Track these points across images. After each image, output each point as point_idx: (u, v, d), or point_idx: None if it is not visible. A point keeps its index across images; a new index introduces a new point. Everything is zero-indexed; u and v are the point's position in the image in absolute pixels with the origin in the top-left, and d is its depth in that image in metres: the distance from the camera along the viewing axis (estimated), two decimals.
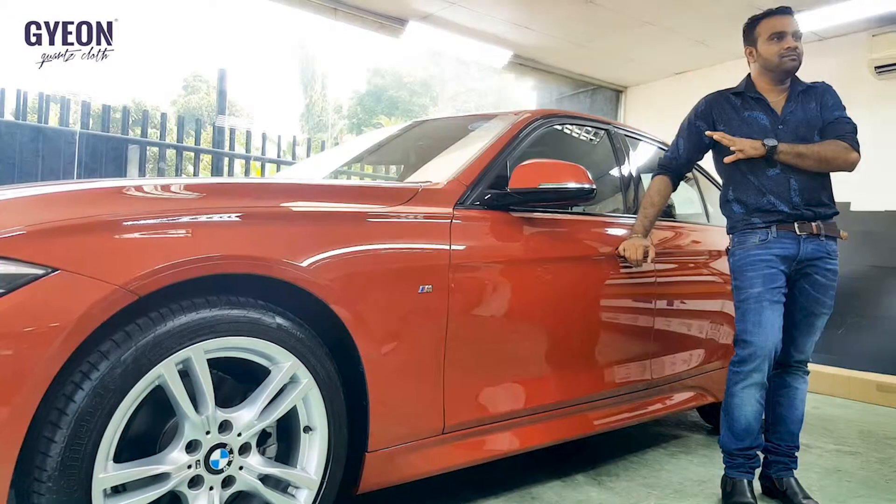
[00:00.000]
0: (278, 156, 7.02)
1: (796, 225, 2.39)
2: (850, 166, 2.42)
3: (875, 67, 5.21)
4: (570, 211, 2.63)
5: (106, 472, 1.38)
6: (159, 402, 1.50)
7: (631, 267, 2.68)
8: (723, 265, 3.12)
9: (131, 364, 1.39)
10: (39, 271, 1.30)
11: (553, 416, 2.40)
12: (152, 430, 1.54)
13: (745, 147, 2.37)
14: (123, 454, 1.45)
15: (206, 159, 6.77)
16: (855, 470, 3.00)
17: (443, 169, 2.35)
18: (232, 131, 6.67)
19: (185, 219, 1.54)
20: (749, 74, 2.59)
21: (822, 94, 2.48)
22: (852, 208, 5.25)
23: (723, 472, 2.49)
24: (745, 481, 2.41)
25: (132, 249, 1.43)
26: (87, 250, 1.38)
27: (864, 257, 5.26)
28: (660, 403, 2.97)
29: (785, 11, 2.49)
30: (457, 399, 2.05)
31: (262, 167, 7.17)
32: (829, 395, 4.93)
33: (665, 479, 2.70)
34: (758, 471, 2.50)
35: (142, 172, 5.95)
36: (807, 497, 2.41)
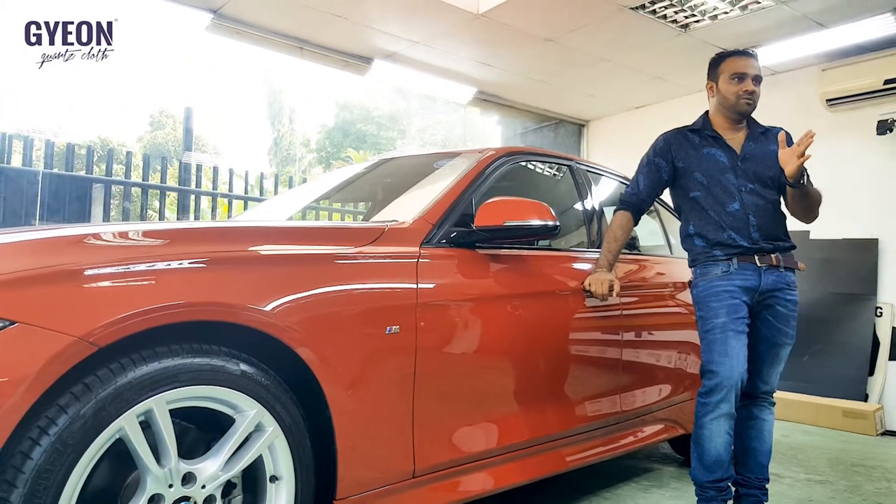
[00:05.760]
0: (246, 191, 6.97)
1: (756, 257, 2.44)
2: (815, 218, 2.56)
3: (826, 100, 5.39)
4: (535, 246, 2.65)
5: None
6: (120, 455, 1.46)
7: (597, 301, 2.71)
8: (687, 296, 3.17)
9: (91, 418, 1.36)
10: None
11: (526, 454, 2.39)
12: (113, 484, 1.49)
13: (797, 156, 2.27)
14: None
15: (172, 196, 6.70)
16: (826, 499, 3.03)
17: (409, 207, 2.36)
18: (199, 167, 6.61)
19: (148, 266, 1.52)
20: (706, 112, 2.66)
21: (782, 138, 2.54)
22: (812, 237, 5.38)
23: None
24: None
25: (92, 299, 1.41)
26: (46, 301, 1.35)
27: (825, 284, 5.38)
28: (631, 437, 2.98)
29: (749, 54, 2.58)
30: (427, 440, 2.03)
31: (230, 203, 7.11)
32: (797, 422, 4.99)
33: None
34: (730, 502, 2.51)
35: (106, 212, 5.85)
36: None
